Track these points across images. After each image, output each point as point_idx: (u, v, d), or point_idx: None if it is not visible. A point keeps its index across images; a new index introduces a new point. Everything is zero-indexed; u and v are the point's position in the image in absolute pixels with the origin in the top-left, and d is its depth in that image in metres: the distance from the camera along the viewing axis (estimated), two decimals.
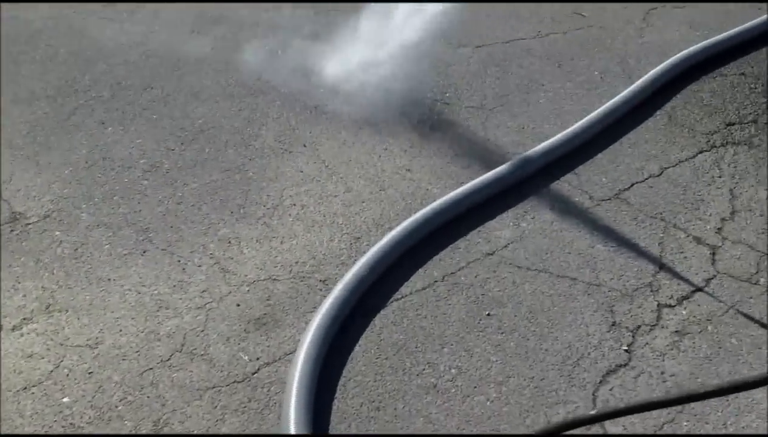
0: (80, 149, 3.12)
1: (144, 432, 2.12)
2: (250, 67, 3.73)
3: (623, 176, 3.22)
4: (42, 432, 2.12)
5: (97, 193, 2.90)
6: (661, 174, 3.24)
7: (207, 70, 3.70)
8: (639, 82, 3.71)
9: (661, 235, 2.93)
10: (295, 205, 2.92)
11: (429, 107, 3.55)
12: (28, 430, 2.11)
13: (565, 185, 3.14)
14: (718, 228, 3.00)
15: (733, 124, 3.60)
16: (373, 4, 4.19)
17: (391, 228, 2.80)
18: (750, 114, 3.70)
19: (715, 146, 3.44)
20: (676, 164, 3.31)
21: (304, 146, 3.22)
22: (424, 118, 3.48)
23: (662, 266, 2.81)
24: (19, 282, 2.51)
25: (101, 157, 3.09)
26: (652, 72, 3.81)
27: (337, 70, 3.72)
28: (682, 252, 2.87)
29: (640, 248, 2.87)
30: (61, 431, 2.10)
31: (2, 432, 2.10)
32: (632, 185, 3.17)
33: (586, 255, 2.82)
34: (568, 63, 3.98)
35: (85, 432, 2.10)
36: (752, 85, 3.90)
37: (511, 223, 2.92)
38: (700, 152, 3.40)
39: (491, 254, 2.78)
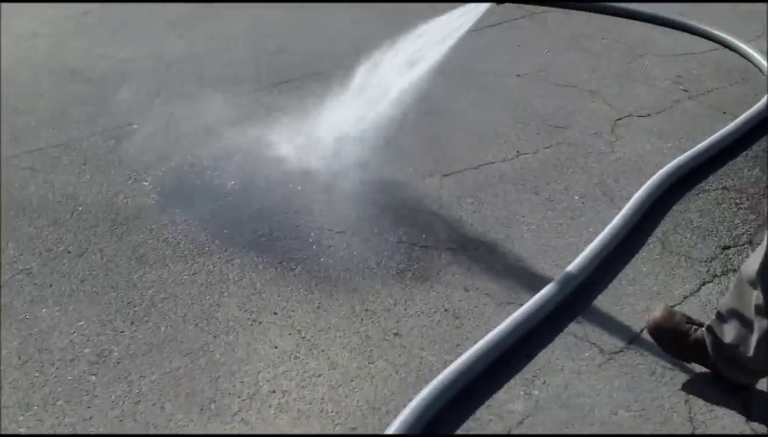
0: (10, 341, 2.73)
1: None
2: (199, 218, 3.40)
3: (630, 320, 2.99)
4: None
5: (35, 398, 2.51)
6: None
7: (150, 225, 3.37)
8: (627, 209, 3.52)
9: (686, 390, 2.68)
10: (274, 391, 2.58)
11: (405, 254, 3.28)
12: None
13: (571, 338, 2.89)
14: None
15: (729, 248, 3.44)
16: (320, 130, 3.97)
17: (388, 412, 2.50)
18: (743, 234, 3.54)
19: (717, 275, 3.26)
20: (682, 301, 3.10)
21: (275, 314, 2.90)
22: (401, 267, 3.20)
23: (695, 430, 2.55)
24: None
25: (37, 349, 2.70)
26: (638, 195, 3.63)
27: (293, 218, 3.44)
28: (711, 410, 2.63)
29: (667, 409, 2.63)
30: None
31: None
32: (642, 331, 2.93)
33: (611, 425, 2.56)
34: (545, 188, 3.78)
35: None
36: (737, 201, 3.77)
37: (522, 392, 2.64)
38: (703, 284, 3.21)
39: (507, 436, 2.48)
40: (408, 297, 3.03)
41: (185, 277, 3.06)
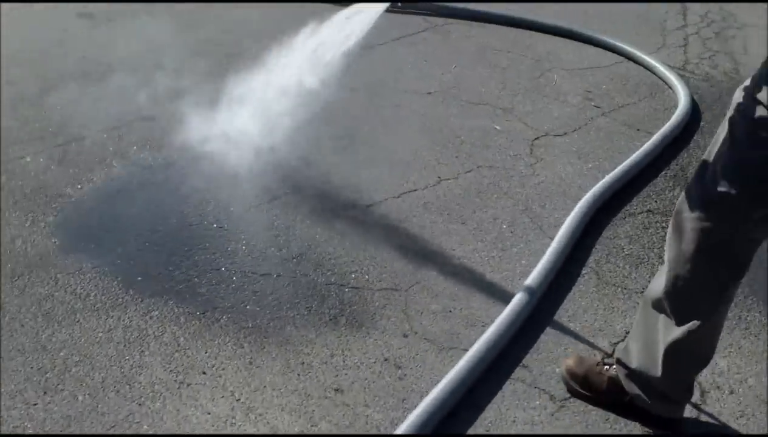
0: None
1: None
2: (108, 264, 3.16)
3: None
4: None
5: None
6: (613, 353, 2.97)
7: (55, 274, 3.10)
8: (558, 240, 3.46)
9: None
10: None
11: (336, 297, 3.13)
12: None
13: (519, 384, 2.81)
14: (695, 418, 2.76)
15: None
16: (226, 157, 3.79)
17: None
18: None
19: None
20: (623, 337, 3.05)
21: (204, 374, 2.70)
22: (334, 312, 3.05)
23: None
24: None
25: None
26: (568, 223, 3.58)
27: (212, 260, 3.24)
28: None
29: None
30: None
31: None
32: None
33: None
34: (472, 217, 3.70)
35: None
36: (663, 224, 3.78)
37: None
38: None
39: None
40: (345, 347, 2.89)
41: (100, 335, 2.82)
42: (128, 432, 2.47)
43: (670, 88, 5.21)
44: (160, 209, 3.53)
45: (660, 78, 5.34)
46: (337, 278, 3.22)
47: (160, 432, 2.47)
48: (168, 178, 3.75)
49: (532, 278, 3.21)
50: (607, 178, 3.99)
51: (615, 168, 4.14)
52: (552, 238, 3.53)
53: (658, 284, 2.49)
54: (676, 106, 4.93)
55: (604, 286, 3.32)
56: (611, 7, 6.69)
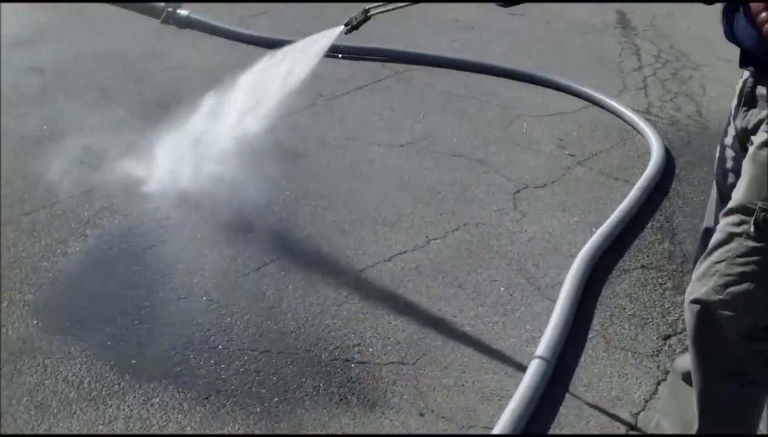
0: None
1: None
2: (97, 346, 3.05)
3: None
4: None
5: None
6: (635, 425, 2.96)
7: (42, 359, 2.97)
8: (561, 305, 3.45)
9: None
10: None
11: (343, 374, 3.07)
12: None
13: None
14: None
15: (670, 337, 3.47)
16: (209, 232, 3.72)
17: None
18: (678, 319, 3.58)
19: (668, 371, 3.25)
20: (644, 406, 3.07)
21: None
22: (343, 390, 2.99)
23: None
24: None
25: None
26: (568, 286, 3.58)
27: (208, 338, 3.15)
28: None
29: None
30: None
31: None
32: None
33: None
34: (467, 280, 3.67)
35: None
36: (660, 281, 3.82)
37: None
38: (658, 383, 3.20)
39: None
40: (361, 430, 2.82)
41: (101, 428, 2.70)
42: None
43: (639, 133, 5.29)
44: (143, 281, 3.40)
45: (629, 124, 5.41)
46: (341, 352, 3.16)
47: None
48: (147, 248, 3.63)
49: (543, 349, 3.18)
50: (598, 235, 4.01)
51: (601, 220, 4.18)
52: (551, 300, 3.53)
53: (687, 356, 2.50)
54: (648, 153, 5.02)
55: (613, 351, 3.32)
56: (566, 48, 6.80)
